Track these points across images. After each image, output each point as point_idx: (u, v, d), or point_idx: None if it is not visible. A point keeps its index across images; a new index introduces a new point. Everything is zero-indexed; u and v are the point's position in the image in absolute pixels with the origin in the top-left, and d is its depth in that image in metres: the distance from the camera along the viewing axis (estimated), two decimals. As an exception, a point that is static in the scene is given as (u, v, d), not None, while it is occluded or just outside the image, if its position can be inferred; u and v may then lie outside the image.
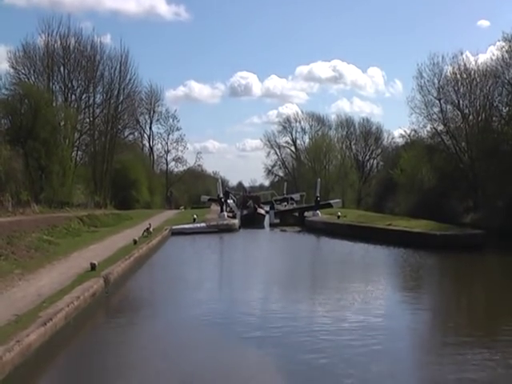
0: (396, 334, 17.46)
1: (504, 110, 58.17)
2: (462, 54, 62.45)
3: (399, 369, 14.19)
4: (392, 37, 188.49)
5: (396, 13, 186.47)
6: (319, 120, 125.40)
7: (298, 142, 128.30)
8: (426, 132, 66.84)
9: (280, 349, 15.44)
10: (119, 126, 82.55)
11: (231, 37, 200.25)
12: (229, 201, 70.93)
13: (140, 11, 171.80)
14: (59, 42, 68.83)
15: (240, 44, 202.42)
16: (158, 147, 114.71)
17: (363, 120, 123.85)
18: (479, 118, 60.62)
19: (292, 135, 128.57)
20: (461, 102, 61.64)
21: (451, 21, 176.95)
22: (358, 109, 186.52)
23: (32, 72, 67.09)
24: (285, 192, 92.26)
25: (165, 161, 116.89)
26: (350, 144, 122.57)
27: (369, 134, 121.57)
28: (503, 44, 54.48)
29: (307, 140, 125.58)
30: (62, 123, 61.58)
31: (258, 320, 18.89)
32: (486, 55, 63.86)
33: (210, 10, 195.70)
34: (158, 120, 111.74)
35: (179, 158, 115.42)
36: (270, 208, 72.41)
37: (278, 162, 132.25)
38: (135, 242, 34.41)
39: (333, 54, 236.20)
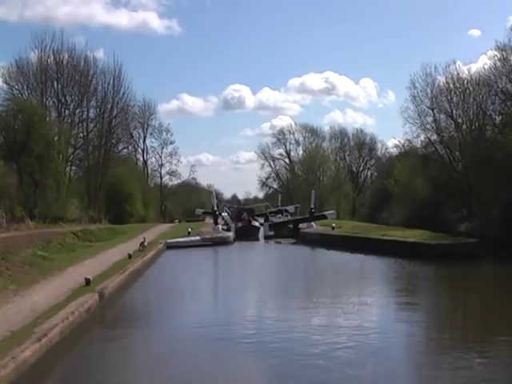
0: (391, 341, 17.70)
1: (497, 119, 58.37)
2: (454, 63, 62.82)
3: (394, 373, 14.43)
4: (384, 48, 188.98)
5: (387, 24, 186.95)
6: (313, 132, 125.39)
7: (292, 153, 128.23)
8: (419, 142, 67.25)
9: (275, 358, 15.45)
10: (113, 141, 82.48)
11: (223, 50, 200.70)
12: (223, 213, 70.94)
13: (132, 26, 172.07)
14: (52, 57, 68.95)
15: (232, 57, 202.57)
16: (152, 161, 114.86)
17: (357, 131, 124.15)
18: (472, 127, 60.86)
19: (286, 147, 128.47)
20: (454, 111, 61.89)
21: (442, 31, 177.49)
22: (351, 120, 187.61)
23: (25, 87, 67.23)
24: (279, 204, 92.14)
25: (159, 174, 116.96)
26: (344, 155, 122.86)
27: (363, 144, 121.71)
28: (496, 53, 54.72)
29: (301, 152, 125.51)
30: (56, 138, 61.48)
31: (253, 334, 18.84)
32: (477, 64, 64.03)
33: (202, 23, 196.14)
34: (151, 134, 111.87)
35: (173, 171, 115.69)
36: (265, 220, 72.43)
37: (272, 174, 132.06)
38: (130, 256, 34.36)
39: (325, 66, 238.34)
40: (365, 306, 23.97)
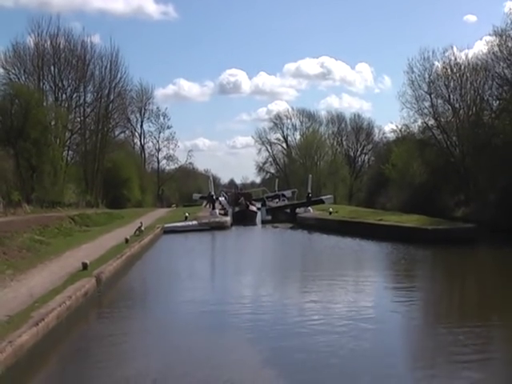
0: (386, 317, 18.18)
1: (494, 104, 58.41)
2: (451, 48, 62.74)
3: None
4: (380, 32, 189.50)
5: (383, 9, 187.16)
6: (310, 116, 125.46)
7: (289, 138, 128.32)
8: (417, 127, 67.17)
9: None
10: (110, 125, 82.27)
11: (219, 35, 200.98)
12: (220, 198, 70.98)
13: (128, 11, 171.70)
14: (49, 42, 68.85)
15: (228, 41, 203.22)
16: (149, 145, 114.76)
17: (354, 116, 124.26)
18: (470, 112, 60.77)
19: (283, 132, 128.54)
20: (451, 96, 61.85)
21: (438, 16, 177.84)
22: (348, 105, 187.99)
23: (22, 72, 67.04)
24: (276, 189, 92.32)
25: (156, 159, 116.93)
26: (341, 140, 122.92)
27: (360, 129, 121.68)
28: (493, 38, 54.62)
29: (298, 136, 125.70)
30: (53, 123, 61.49)
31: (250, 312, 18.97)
32: (473, 50, 64.14)
33: (198, 8, 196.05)
34: (148, 118, 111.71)
35: (170, 156, 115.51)
36: (262, 205, 72.39)
37: (270, 159, 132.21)
38: (127, 240, 34.39)
39: (321, 51, 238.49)
40: (361, 287, 24.37)
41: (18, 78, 65.78)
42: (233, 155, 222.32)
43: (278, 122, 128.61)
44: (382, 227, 42.55)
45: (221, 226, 54.36)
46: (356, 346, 14.96)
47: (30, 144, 52.37)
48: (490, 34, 55.77)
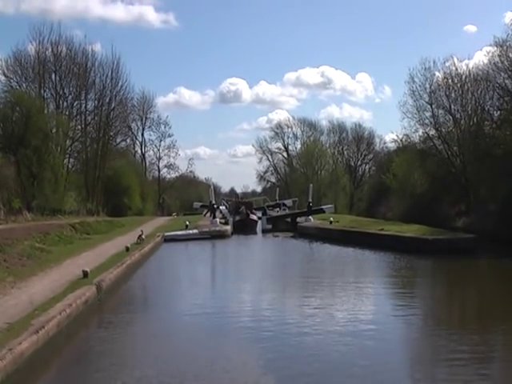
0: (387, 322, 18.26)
1: (495, 114, 58.36)
2: (452, 58, 62.82)
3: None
4: (380, 43, 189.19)
5: (383, 19, 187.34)
6: (311, 126, 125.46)
7: (290, 147, 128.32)
8: (417, 136, 67.06)
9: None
10: (111, 133, 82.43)
11: (220, 44, 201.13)
12: (221, 207, 70.95)
13: (129, 19, 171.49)
14: (50, 49, 69.08)
15: (229, 50, 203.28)
16: (150, 154, 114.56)
17: (355, 125, 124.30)
18: (471, 123, 60.79)
19: (284, 141, 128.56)
20: (452, 106, 61.83)
21: (438, 26, 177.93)
22: (348, 114, 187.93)
23: (23, 79, 67.36)
24: (277, 198, 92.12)
25: (157, 167, 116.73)
26: (342, 149, 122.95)
27: (361, 139, 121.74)
28: (494, 48, 54.70)
29: (299, 146, 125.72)
30: (54, 130, 61.62)
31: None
32: (473, 60, 64.18)
33: (198, 17, 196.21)
34: (149, 127, 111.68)
35: (171, 164, 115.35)
36: (263, 214, 72.32)
37: (270, 168, 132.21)
38: (127, 249, 34.37)
39: (321, 60, 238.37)
40: (363, 294, 24.57)
41: (19, 86, 66.02)
42: (234, 164, 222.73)
43: (278, 131, 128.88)
44: (383, 237, 42.53)
45: (221, 235, 54.38)
46: (356, 349, 15.26)
47: (31, 151, 52.44)
48: (490, 45, 55.95)
